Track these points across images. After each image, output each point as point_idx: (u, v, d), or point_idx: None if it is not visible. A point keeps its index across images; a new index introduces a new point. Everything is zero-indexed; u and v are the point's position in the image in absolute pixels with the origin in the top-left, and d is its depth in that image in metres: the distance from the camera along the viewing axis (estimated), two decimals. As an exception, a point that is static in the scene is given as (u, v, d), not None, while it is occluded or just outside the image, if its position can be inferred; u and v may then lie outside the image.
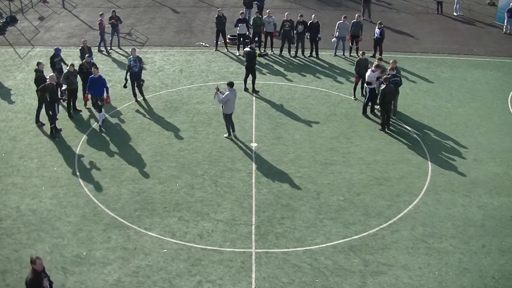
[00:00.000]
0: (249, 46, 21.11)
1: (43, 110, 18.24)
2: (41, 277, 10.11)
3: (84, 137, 17.98)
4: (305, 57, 24.73)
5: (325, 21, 27.17)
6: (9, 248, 13.09)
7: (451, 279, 12.43)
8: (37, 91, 18.34)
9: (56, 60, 20.40)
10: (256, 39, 24.84)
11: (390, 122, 18.81)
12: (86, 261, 12.75)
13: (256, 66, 21.41)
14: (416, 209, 14.76)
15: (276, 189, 15.47)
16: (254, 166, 16.53)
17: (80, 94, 19.52)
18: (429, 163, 16.88)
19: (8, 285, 12.04)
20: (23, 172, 16.13)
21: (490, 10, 32.04)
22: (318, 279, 12.36)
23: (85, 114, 19.43)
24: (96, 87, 18.32)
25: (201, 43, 26.35)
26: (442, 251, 13.27)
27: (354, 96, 20.88)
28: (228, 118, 17.70)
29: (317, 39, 24.26)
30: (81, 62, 20.61)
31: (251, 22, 25.53)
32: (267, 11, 25.52)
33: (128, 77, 19.95)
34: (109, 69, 23.09)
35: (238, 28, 24.59)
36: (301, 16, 24.42)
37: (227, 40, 25.72)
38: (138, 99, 20.31)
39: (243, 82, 21.21)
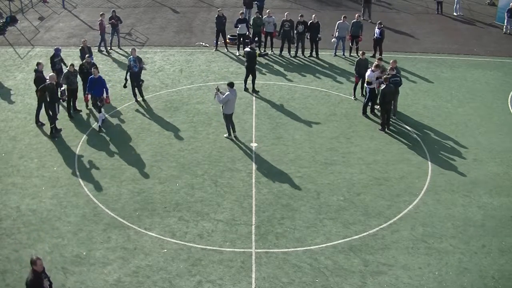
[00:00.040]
0: (249, 46, 21.11)
1: (42, 110, 18.26)
2: (42, 277, 10.10)
3: (84, 137, 17.98)
4: (305, 57, 24.73)
5: (325, 21, 27.17)
6: (9, 248, 13.09)
7: (451, 279, 12.43)
8: (36, 91, 18.35)
9: (56, 60, 20.39)
10: (256, 39, 24.84)
11: (390, 122, 18.81)
12: (86, 261, 12.75)
13: (256, 66, 21.40)
14: (416, 209, 14.76)
15: (276, 189, 15.47)
16: (254, 166, 16.53)
17: (80, 94, 19.52)
18: (429, 163, 16.89)
19: (8, 285, 12.04)
20: (23, 172, 16.13)
21: (490, 10, 32.04)
22: (318, 279, 12.36)
23: (85, 114, 19.44)
24: (96, 88, 18.30)
25: (201, 43, 26.35)
26: (442, 251, 13.27)
27: (354, 96, 20.88)
28: (228, 119, 17.70)
29: (317, 39, 24.26)
30: (81, 62, 20.61)
31: (251, 22, 25.53)
32: (267, 11, 25.52)
33: (128, 77, 19.95)
34: (109, 69, 23.10)
35: (238, 28, 24.60)
36: (302, 16, 24.41)
37: (227, 40, 25.72)
38: (138, 99, 20.31)
39: (243, 82, 21.20)
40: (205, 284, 12.19)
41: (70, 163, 16.58)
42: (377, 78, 18.99)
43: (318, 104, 20.41)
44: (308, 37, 24.28)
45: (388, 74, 18.75)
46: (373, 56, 23.86)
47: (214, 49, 25.44)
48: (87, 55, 20.11)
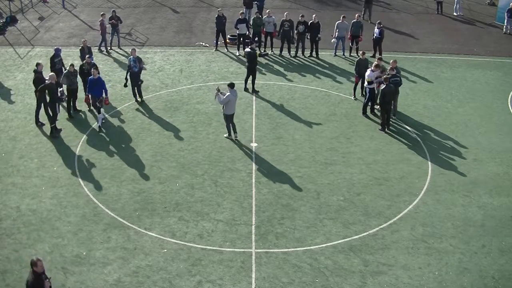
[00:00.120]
0: (249, 47, 21.10)
1: (42, 110, 18.26)
2: (42, 279, 10.10)
3: (84, 137, 17.98)
4: (305, 57, 24.73)
5: (325, 21, 27.16)
6: (9, 248, 13.09)
7: (451, 279, 12.43)
8: (35, 91, 18.34)
9: (56, 60, 20.37)
10: (256, 39, 24.84)
11: (390, 122, 18.81)
12: (86, 261, 12.75)
13: (257, 66, 21.39)
14: (416, 209, 14.76)
15: (276, 189, 15.47)
16: (254, 166, 16.53)
17: (80, 94, 19.50)
18: (429, 163, 16.89)
19: (8, 285, 12.04)
20: (23, 172, 16.13)
21: (490, 10, 32.05)
22: (318, 279, 12.36)
23: (85, 114, 19.43)
24: (95, 88, 18.28)
25: (201, 43, 26.35)
26: (442, 251, 13.27)
27: (354, 96, 20.88)
28: (228, 119, 17.68)
29: (317, 39, 24.26)
30: (81, 62, 20.62)
31: (251, 22, 25.53)
32: (267, 11, 25.52)
33: (128, 77, 19.95)
34: (109, 69, 23.10)
35: (238, 29, 24.60)
36: (302, 16, 24.41)
37: (227, 40, 25.72)
38: (138, 99, 20.31)
39: (243, 82, 21.20)
40: (205, 284, 12.19)
41: (70, 163, 16.58)
42: (376, 78, 19.00)
43: (318, 104, 20.41)
44: (309, 37, 24.29)
45: (388, 74, 18.75)
46: (373, 56, 23.85)
47: (214, 49, 25.44)
48: (87, 56, 20.10)
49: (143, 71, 20.50)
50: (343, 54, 24.90)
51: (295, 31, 24.28)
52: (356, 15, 25.04)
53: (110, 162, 16.62)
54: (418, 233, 13.86)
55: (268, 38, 25.09)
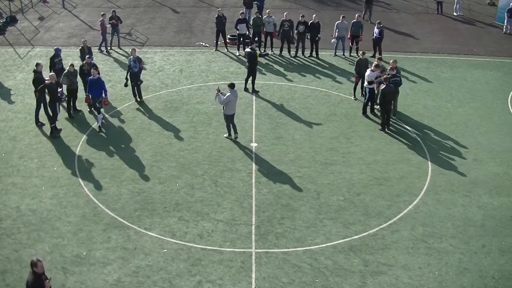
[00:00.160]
0: (250, 47, 21.10)
1: (42, 111, 18.26)
2: (42, 279, 10.10)
3: (84, 137, 17.98)
4: (305, 57, 24.73)
5: (325, 21, 27.15)
6: (9, 248, 13.09)
7: (451, 279, 12.43)
8: (35, 91, 18.34)
9: (56, 61, 20.36)
10: (256, 39, 24.84)
11: (390, 122, 18.81)
12: (86, 261, 12.75)
13: (257, 66, 21.38)
14: (416, 209, 14.76)
15: (276, 189, 15.47)
16: (254, 166, 16.53)
17: (80, 94, 19.50)
18: (429, 163, 16.89)
19: (8, 285, 12.04)
20: (23, 172, 16.13)
21: (490, 10, 32.05)
22: (318, 279, 12.36)
23: (85, 114, 19.42)
24: (95, 89, 18.27)
25: (201, 43, 26.35)
26: (442, 251, 13.27)
27: (354, 96, 20.88)
28: (229, 119, 17.67)
29: (317, 39, 24.26)
30: (81, 62, 20.61)
31: (251, 22, 25.53)
32: (267, 11, 25.52)
33: (128, 76, 19.96)
34: (109, 69, 23.10)
35: (238, 29, 24.60)
36: (303, 16, 24.41)
37: (227, 40, 25.72)
38: (138, 99, 20.30)
39: (244, 82, 21.20)
40: (205, 284, 12.19)
41: (70, 163, 16.58)
42: (376, 78, 19.00)
43: (318, 104, 20.41)
44: (309, 37, 24.29)
45: (388, 74, 18.75)
46: (373, 56, 23.85)
47: (214, 49, 25.44)
48: (87, 56, 20.07)
49: (143, 71, 20.50)
50: (343, 54, 24.90)
51: (295, 31, 24.29)
52: (356, 15, 25.03)
53: (110, 162, 16.62)
54: (418, 233, 13.86)
55: (268, 38, 25.09)
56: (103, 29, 24.64)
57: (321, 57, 24.61)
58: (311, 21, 24.17)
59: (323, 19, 26.99)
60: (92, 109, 19.00)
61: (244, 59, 22.05)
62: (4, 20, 28.76)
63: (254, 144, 17.66)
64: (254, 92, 21.06)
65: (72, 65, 19.16)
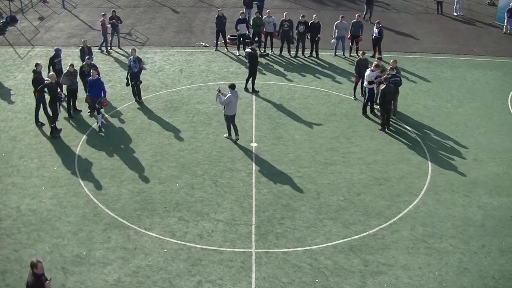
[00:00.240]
0: (250, 47, 21.10)
1: (42, 111, 18.25)
2: (42, 280, 10.10)
3: (84, 137, 17.98)
4: (305, 57, 24.74)
5: (325, 21, 27.14)
6: (9, 248, 13.09)
7: (451, 279, 12.43)
8: (34, 92, 18.34)
9: (56, 61, 20.35)
10: (256, 39, 24.84)
11: (390, 122, 18.81)
12: (86, 261, 12.75)
13: (257, 66, 21.37)
14: (416, 209, 14.76)
15: (276, 189, 15.47)
16: (254, 166, 16.53)
17: (80, 94, 19.49)
18: (429, 163, 16.89)
19: (8, 285, 12.04)
20: (23, 172, 16.13)
21: (490, 10, 32.05)
22: (318, 279, 12.36)
23: (85, 114, 19.42)
24: (94, 89, 18.26)
25: (201, 43, 26.36)
26: (442, 251, 13.26)
27: (354, 96, 20.88)
28: (229, 120, 17.65)
29: (317, 39, 24.26)
30: (81, 62, 20.59)
31: (251, 22, 25.54)
32: (267, 11, 25.52)
33: (129, 76, 19.96)
34: (109, 69, 23.10)
35: (238, 29, 24.60)
36: (303, 16, 24.41)
37: (227, 40, 25.73)
38: (138, 100, 20.30)
39: (244, 82, 21.20)
40: (205, 284, 12.19)
41: (70, 163, 16.58)
42: (376, 78, 19.00)
43: (318, 104, 20.41)
44: (309, 37, 24.29)
45: (388, 74, 18.75)
46: (373, 56, 23.85)
47: (214, 49, 25.44)
48: (87, 57, 20.03)
49: (143, 71, 20.50)
50: (343, 54, 24.90)
51: (295, 31, 24.29)
52: (356, 15, 25.03)
53: (110, 162, 16.62)
54: (418, 233, 13.86)
55: (268, 38, 25.09)
56: (104, 29, 24.64)
57: (321, 57, 24.61)
58: (311, 21, 24.18)
59: (323, 19, 26.99)
60: (91, 110, 18.93)
61: (244, 59, 22.04)
62: (4, 20, 28.77)
63: (254, 144, 17.66)
64: (254, 92, 21.06)
65: (72, 65, 19.16)
